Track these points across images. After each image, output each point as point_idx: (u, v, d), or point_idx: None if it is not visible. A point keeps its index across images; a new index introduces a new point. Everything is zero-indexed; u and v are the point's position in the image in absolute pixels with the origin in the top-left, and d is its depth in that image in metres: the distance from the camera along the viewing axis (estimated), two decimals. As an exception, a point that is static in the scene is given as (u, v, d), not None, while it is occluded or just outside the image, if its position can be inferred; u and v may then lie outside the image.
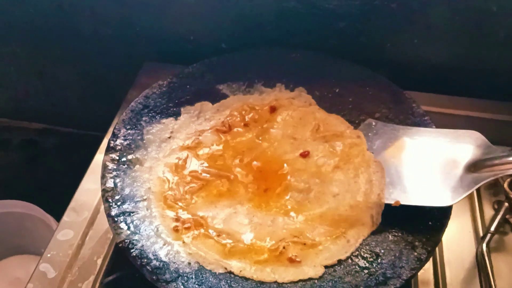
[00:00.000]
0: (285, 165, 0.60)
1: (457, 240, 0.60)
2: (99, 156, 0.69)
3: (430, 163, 0.55)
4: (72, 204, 0.63)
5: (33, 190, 0.89)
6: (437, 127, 0.61)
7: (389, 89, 0.65)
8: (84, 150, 1.02)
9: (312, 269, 0.50)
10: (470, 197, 0.64)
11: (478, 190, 0.65)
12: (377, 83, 0.66)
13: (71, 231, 0.60)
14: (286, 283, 0.49)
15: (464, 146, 0.53)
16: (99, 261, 0.58)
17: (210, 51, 0.74)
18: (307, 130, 0.63)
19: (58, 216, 0.80)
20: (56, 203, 0.82)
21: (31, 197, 0.83)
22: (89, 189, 0.65)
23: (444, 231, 0.52)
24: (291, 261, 0.51)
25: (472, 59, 0.75)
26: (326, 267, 0.51)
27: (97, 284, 0.56)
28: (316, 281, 0.49)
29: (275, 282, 0.49)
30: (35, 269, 0.56)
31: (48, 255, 0.58)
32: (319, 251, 0.52)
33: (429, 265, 0.58)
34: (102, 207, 0.62)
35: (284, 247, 0.51)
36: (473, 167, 0.50)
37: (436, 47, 0.75)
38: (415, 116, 0.62)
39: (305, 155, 0.61)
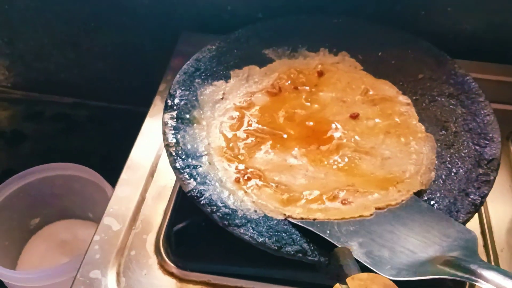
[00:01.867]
0: (336, 125, 0.63)
1: (499, 193, 0.63)
2: (149, 120, 0.71)
3: (408, 238, 0.50)
4: (128, 163, 0.65)
5: (67, 159, 0.91)
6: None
7: (430, 52, 0.67)
8: (116, 123, 1.05)
9: (362, 209, 0.53)
10: (508, 153, 0.68)
11: (515, 145, 0.69)
12: (418, 47, 0.68)
13: (130, 187, 0.63)
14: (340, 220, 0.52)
15: (450, 239, 0.49)
16: (160, 215, 0.60)
17: (247, 21, 0.76)
18: (356, 93, 0.66)
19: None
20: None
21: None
22: (143, 150, 0.67)
23: (494, 181, 0.55)
24: (343, 203, 0.54)
25: (505, 27, 0.78)
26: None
27: (161, 235, 0.58)
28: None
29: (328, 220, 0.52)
30: (99, 223, 0.59)
31: (111, 210, 0.60)
32: (371, 197, 0.55)
33: (474, 218, 0.61)
34: (159, 165, 0.66)
35: (337, 192, 0.55)
36: (441, 259, 0.46)
37: (469, 15, 0.78)
38: (458, 76, 0.64)
39: (355, 116, 0.63)
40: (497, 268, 0.43)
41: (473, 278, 0.42)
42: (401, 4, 0.78)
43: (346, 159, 0.59)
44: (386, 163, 0.59)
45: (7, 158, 1.00)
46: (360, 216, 0.53)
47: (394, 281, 0.43)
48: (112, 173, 0.81)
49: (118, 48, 0.96)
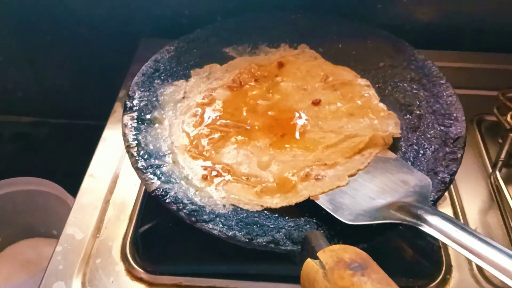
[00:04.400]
0: (299, 113, 0.62)
1: (468, 175, 0.63)
2: (110, 127, 0.69)
3: (370, 185, 0.52)
4: (90, 171, 0.63)
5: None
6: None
7: (389, 40, 0.68)
8: (78, 139, 1.02)
9: (336, 180, 0.53)
10: (474, 135, 0.68)
11: (479, 128, 0.69)
12: (376, 36, 0.69)
13: (93, 195, 0.60)
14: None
15: (407, 186, 0.51)
16: (126, 221, 0.58)
17: (205, 24, 0.75)
18: (316, 81, 0.66)
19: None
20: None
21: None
22: (104, 156, 0.65)
23: (462, 158, 0.55)
24: (317, 179, 0.53)
25: (458, 15, 0.80)
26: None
27: (128, 241, 0.55)
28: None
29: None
30: (62, 232, 0.56)
31: (73, 219, 0.58)
32: (340, 166, 0.55)
33: (446, 200, 0.61)
34: (122, 171, 0.63)
35: (308, 170, 0.54)
36: (396, 205, 0.48)
37: (423, 5, 0.80)
38: (418, 61, 0.65)
39: (317, 103, 0.63)
40: (440, 213, 0.44)
41: (418, 222, 0.43)
42: (357, -2, 0.79)
43: (311, 141, 0.58)
44: (350, 135, 0.59)
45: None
46: (338, 186, 0.53)
47: (351, 225, 0.46)
48: (76, 191, 0.78)
49: (77, 61, 0.93)
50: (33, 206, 0.79)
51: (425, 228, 0.42)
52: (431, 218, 0.43)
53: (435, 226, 0.42)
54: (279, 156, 0.57)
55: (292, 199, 0.51)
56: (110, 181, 0.62)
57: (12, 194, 0.76)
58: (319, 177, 0.53)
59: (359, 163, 0.55)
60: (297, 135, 0.59)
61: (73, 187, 0.78)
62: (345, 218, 0.47)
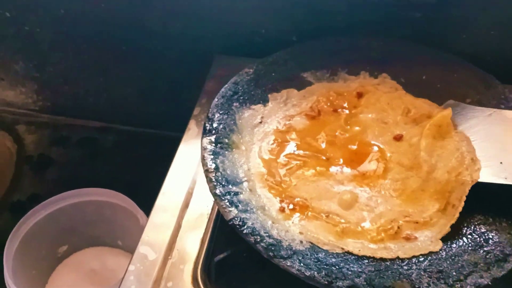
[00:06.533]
0: (380, 147, 0.60)
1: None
2: (184, 145, 0.69)
3: None
4: (164, 189, 0.63)
5: (94, 185, 0.88)
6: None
7: (477, 75, 0.65)
8: (143, 148, 1.03)
9: (430, 244, 0.50)
10: None
11: None
12: (464, 69, 0.66)
13: (166, 214, 0.60)
14: (403, 260, 0.48)
15: None
16: (197, 244, 0.57)
17: (280, 44, 0.74)
18: (397, 114, 0.64)
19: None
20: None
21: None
22: (178, 175, 0.65)
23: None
24: (408, 239, 0.50)
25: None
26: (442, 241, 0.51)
27: (199, 266, 0.55)
28: (435, 257, 0.49)
29: (396, 258, 0.48)
30: (135, 252, 0.56)
31: (146, 238, 0.58)
32: (432, 226, 0.52)
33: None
34: (195, 191, 0.63)
35: (398, 227, 0.51)
36: None
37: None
38: (509, 101, 0.61)
39: (398, 138, 0.61)
40: None
41: None
42: (439, 26, 0.76)
43: (395, 183, 0.56)
44: (430, 172, 0.56)
45: (33, 183, 0.99)
46: (430, 252, 0.49)
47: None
48: (139, 200, 0.79)
49: (147, 72, 0.95)
50: (101, 217, 0.80)
51: None
52: None
53: None
54: (362, 196, 0.55)
55: (378, 252, 0.49)
56: (183, 201, 0.62)
57: (82, 204, 0.78)
58: (410, 237, 0.50)
59: (452, 216, 0.52)
60: (379, 174, 0.57)
61: (136, 197, 0.80)
62: None
